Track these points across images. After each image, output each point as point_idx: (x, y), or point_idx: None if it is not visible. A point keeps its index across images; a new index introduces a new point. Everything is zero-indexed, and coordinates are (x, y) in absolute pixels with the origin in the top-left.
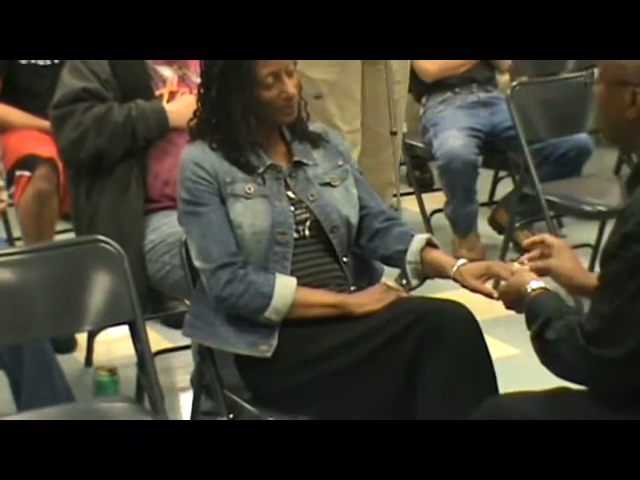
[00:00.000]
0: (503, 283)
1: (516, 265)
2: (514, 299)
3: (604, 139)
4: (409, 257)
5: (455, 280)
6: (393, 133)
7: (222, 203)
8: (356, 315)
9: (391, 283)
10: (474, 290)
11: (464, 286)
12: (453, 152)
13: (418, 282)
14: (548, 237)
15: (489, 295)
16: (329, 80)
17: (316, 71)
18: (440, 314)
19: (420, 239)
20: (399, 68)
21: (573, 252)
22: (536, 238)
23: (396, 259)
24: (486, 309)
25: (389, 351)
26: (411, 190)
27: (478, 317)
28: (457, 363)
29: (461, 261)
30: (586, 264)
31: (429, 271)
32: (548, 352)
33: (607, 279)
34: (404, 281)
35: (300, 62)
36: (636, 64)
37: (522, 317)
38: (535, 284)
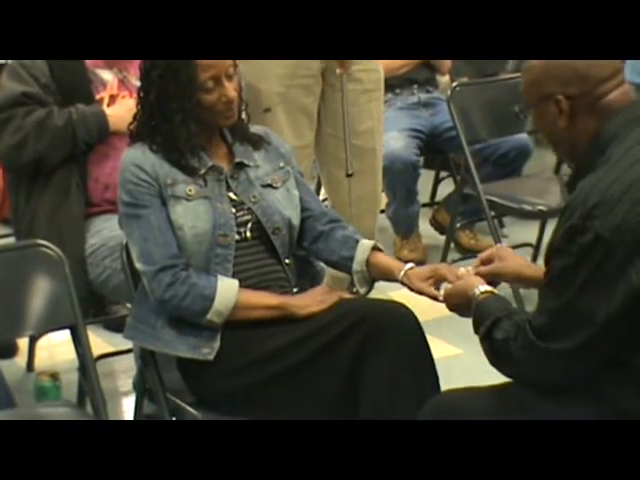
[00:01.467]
0: (449, 286)
1: (462, 269)
2: (460, 302)
3: (564, 160)
4: (355, 266)
5: (403, 283)
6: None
7: (163, 205)
8: (299, 317)
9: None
10: (421, 293)
11: (411, 289)
12: (394, 154)
13: (367, 289)
14: (489, 250)
15: (434, 298)
16: (280, 92)
17: (266, 83)
18: (382, 315)
19: (365, 247)
20: (366, 74)
21: (512, 251)
22: (483, 255)
23: (341, 265)
24: (429, 310)
25: (331, 353)
26: None
27: (421, 318)
28: (399, 364)
29: (408, 265)
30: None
31: (376, 275)
32: (497, 352)
33: (554, 274)
34: (354, 289)
35: (250, 74)
36: (549, 73)
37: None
38: (482, 287)
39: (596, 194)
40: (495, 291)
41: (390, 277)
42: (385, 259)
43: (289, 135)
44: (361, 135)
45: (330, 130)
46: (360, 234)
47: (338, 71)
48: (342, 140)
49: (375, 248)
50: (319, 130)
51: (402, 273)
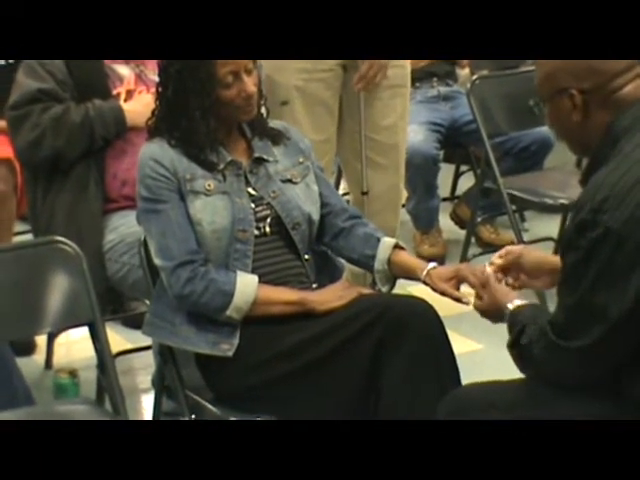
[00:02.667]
0: (468, 290)
1: (488, 269)
2: (493, 315)
3: (577, 155)
4: (377, 265)
5: (425, 283)
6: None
7: (182, 200)
8: (318, 313)
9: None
10: (443, 293)
11: (434, 289)
12: (414, 147)
13: (389, 287)
14: (511, 249)
15: (457, 299)
16: (298, 86)
17: (283, 76)
18: (402, 310)
19: (387, 245)
20: (392, 70)
21: (535, 250)
22: (502, 252)
23: (362, 263)
24: (449, 305)
25: (351, 348)
26: None
27: (441, 313)
28: (419, 359)
29: (431, 265)
30: None
31: (398, 274)
32: (522, 357)
33: (567, 270)
34: (376, 287)
35: (268, 66)
36: (562, 67)
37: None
38: (516, 302)
39: (605, 188)
40: (527, 302)
41: (412, 276)
42: (407, 258)
43: (308, 129)
44: (383, 131)
45: (351, 124)
46: (381, 231)
47: (357, 87)
48: (364, 137)
49: (397, 246)
50: (340, 124)
51: (424, 273)
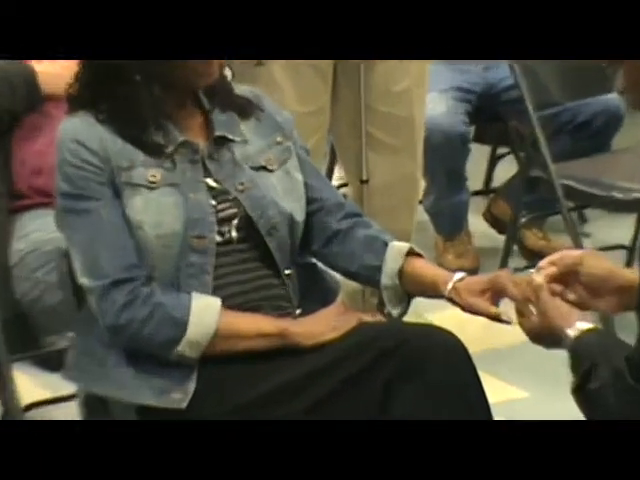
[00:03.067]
0: (504, 309)
1: (537, 279)
2: (546, 339)
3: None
4: (385, 279)
5: (450, 300)
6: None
7: (115, 196)
8: (304, 348)
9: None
10: (475, 311)
11: (462, 307)
12: (434, 122)
13: (401, 309)
14: (568, 253)
15: (497, 318)
16: None
17: None
18: (418, 345)
19: (398, 252)
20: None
21: (602, 258)
22: (555, 256)
23: (365, 276)
24: (482, 337)
25: (348, 397)
26: None
27: (471, 348)
28: (442, 409)
29: (458, 275)
30: None
31: (413, 290)
32: (591, 405)
33: None
34: (385, 310)
35: None
36: None
37: (532, 349)
38: (582, 325)
39: None
40: (593, 326)
41: (432, 292)
42: (425, 267)
43: (291, 98)
44: (393, 100)
45: (350, 91)
46: (390, 234)
47: None
48: (364, 107)
49: (411, 253)
50: (335, 91)
51: (449, 286)
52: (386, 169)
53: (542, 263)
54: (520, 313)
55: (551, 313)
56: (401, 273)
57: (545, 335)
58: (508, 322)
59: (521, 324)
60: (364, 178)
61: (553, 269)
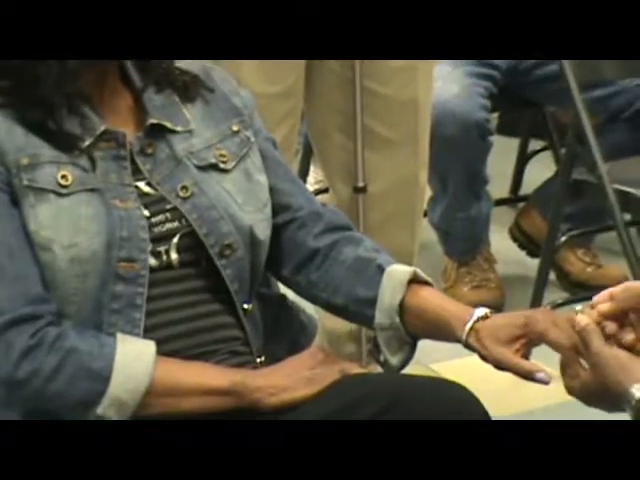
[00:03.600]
0: (567, 375)
1: (582, 321)
2: (601, 400)
3: None
4: (381, 318)
5: (469, 347)
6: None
7: (13, 205)
8: (266, 409)
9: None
10: (502, 365)
11: (484, 357)
12: (444, 107)
13: (403, 357)
14: (631, 284)
15: (527, 375)
16: None
17: None
18: (422, 404)
19: (397, 280)
20: None
21: None
22: (617, 289)
23: (354, 312)
24: (508, 397)
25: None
26: None
27: (494, 412)
28: None
29: (479, 311)
30: None
31: (419, 331)
32: None
33: None
34: (381, 357)
35: None
36: None
37: (572, 412)
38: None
39: None
40: None
41: (444, 335)
42: (434, 300)
43: (253, 73)
44: (391, 77)
45: (334, 66)
46: (387, 253)
47: None
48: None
49: (415, 280)
50: (312, 66)
51: (468, 327)
52: (381, 171)
53: (597, 298)
54: (564, 367)
55: (606, 365)
56: (402, 308)
57: (599, 395)
58: (546, 382)
59: (566, 382)
60: (360, 185)
61: (608, 306)
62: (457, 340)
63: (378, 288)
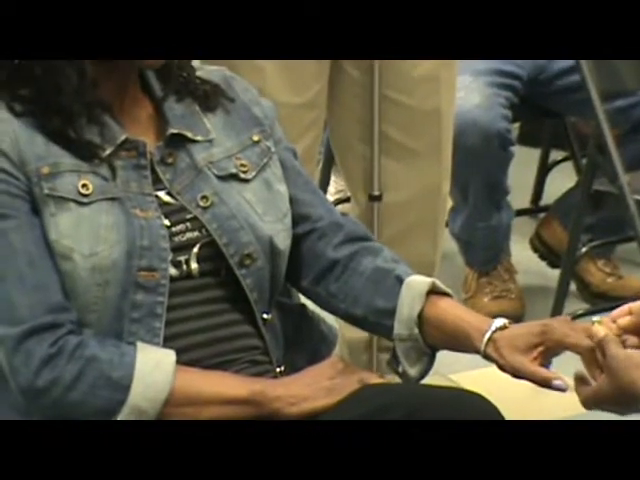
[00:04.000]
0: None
1: (600, 331)
2: (620, 405)
3: None
4: (399, 329)
5: (487, 357)
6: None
7: (34, 213)
8: (286, 418)
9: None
10: (520, 374)
11: (501, 367)
12: (465, 116)
13: (421, 368)
14: None
15: (547, 384)
16: None
17: None
18: (441, 415)
19: (416, 291)
20: None
21: None
22: (637, 304)
23: (372, 324)
24: (528, 406)
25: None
26: None
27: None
28: None
29: (498, 322)
30: None
31: (438, 342)
32: None
33: None
34: (399, 368)
35: None
36: None
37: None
38: None
39: None
40: None
41: (463, 345)
42: (453, 312)
43: (277, 84)
44: (415, 87)
45: (357, 75)
46: (407, 264)
47: None
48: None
49: (434, 291)
50: (336, 76)
51: (486, 338)
52: (403, 180)
53: (616, 312)
54: (579, 377)
55: (621, 366)
56: (421, 319)
57: (613, 399)
58: (563, 389)
59: (580, 391)
60: (375, 193)
61: (629, 320)
62: (476, 351)
63: (397, 299)
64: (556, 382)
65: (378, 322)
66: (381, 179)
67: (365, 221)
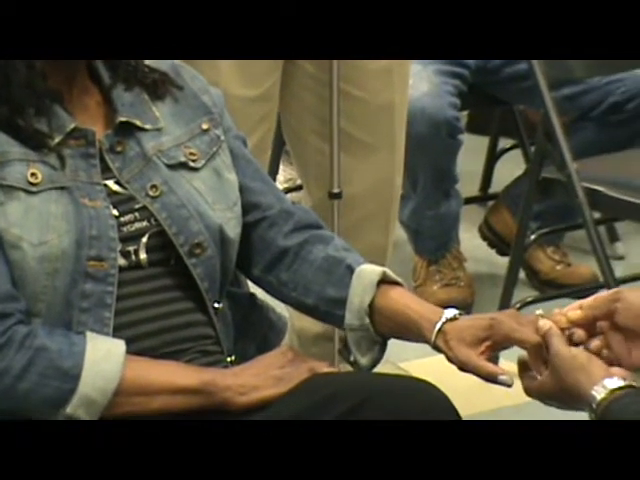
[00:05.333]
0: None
1: (545, 324)
2: (561, 400)
3: None
4: (350, 319)
5: (437, 349)
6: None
7: None
8: (236, 407)
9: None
10: (466, 367)
11: (450, 359)
12: (414, 105)
13: (373, 357)
14: (602, 294)
15: (490, 377)
16: None
17: None
18: (392, 403)
19: (367, 280)
20: None
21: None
22: (587, 300)
23: (324, 313)
24: (477, 396)
25: None
26: None
27: (462, 410)
28: None
29: (448, 313)
30: None
31: (388, 331)
32: None
33: None
34: (351, 357)
35: None
36: None
37: (543, 410)
38: (612, 383)
39: None
40: (628, 383)
41: (414, 336)
42: (404, 301)
43: (231, 78)
44: (369, 80)
45: (310, 69)
46: (360, 252)
47: None
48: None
49: (385, 280)
50: (290, 68)
51: (436, 329)
52: (357, 174)
53: (567, 308)
54: (523, 366)
55: (565, 366)
56: (372, 309)
57: (555, 396)
58: (508, 384)
59: (524, 383)
60: (335, 190)
61: (579, 314)
62: (426, 341)
63: (348, 289)
64: (501, 377)
65: (329, 311)
66: (341, 175)
67: (319, 214)
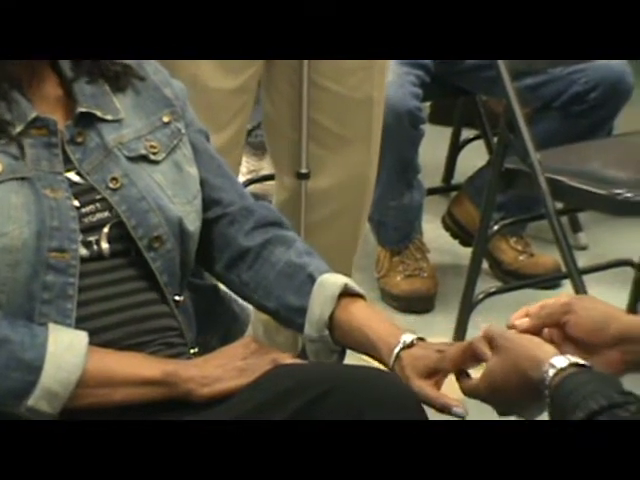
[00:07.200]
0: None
1: (492, 331)
2: (510, 394)
3: None
4: (310, 330)
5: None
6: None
7: None
8: (198, 399)
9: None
10: (420, 398)
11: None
12: None
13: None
14: (548, 302)
15: (444, 410)
16: None
17: None
18: (355, 392)
19: (327, 293)
20: None
21: (596, 300)
22: (534, 308)
23: (286, 318)
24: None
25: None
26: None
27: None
28: None
29: (407, 337)
30: (625, 298)
31: (348, 345)
32: None
33: None
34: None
35: None
36: None
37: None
38: (560, 361)
39: None
40: (584, 362)
41: (372, 356)
42: (363, 320)
43: (210, 71)
44: (348, 75)
45: (288, 62)
46: (330, 247)
47: None
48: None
49: (347, 293)
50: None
51: (394, 355)
52: (331, 167)
53: (514, 316)
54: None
55: (517, 344)
56: (332, 322)
57: (504, 380)
58: (462, 416)
59: (462, 383)
60: (303, 171)
61: (526, 322)
62: (384, 365)
63: (308, 298)
64: (455, 409)
65: (289, 318)
66: (309, 164)
67: (291, 205)
